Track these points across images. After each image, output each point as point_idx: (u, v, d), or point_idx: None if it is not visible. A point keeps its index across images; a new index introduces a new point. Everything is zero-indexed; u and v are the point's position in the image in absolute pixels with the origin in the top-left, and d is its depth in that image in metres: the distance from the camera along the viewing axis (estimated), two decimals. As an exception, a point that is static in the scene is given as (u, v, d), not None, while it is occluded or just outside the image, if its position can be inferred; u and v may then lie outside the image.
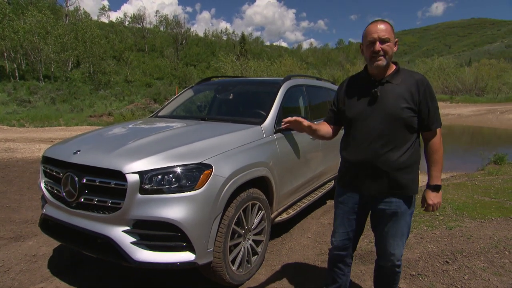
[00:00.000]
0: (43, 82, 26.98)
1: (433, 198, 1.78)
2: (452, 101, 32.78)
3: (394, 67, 1.79)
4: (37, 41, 26.64)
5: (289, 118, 1.92)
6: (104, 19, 57.06)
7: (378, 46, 1.67)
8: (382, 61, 1.69)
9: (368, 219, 1.95)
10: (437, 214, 3.67)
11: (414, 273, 2.57)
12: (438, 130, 1.76)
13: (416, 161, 1.77)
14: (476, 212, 3.69)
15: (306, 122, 1.92)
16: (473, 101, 32.44)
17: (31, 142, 9.56)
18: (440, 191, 1.80)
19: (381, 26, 1.69)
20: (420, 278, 2.50)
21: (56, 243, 3.18)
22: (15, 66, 27.74)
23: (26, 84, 24.87)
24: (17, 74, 27.37)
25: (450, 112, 24.37)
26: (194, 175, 2.12)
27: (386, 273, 1.92)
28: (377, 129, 1.71)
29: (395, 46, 1.74)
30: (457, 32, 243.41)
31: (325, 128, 2.02)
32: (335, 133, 2.04)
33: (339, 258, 1.98)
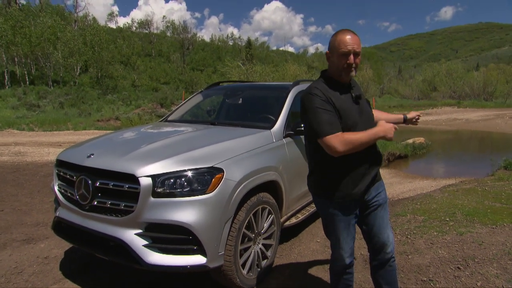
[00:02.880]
0: (52, 87, 27.34)
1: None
2: (460, 106, 32.49)
3: None
4: (47, 47, 27.07)
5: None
6: (112, 25, 57.79)
7: (352, 59, 1.72)
8: (353, 72, 1.78)
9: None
10: (447, 219, 3.64)
11: (425, 278, 2.55)
12: None
13: None
14: (487, 218, 3.65)
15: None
16: (481, 106, 32.13)
17: (40, 146, 9.70)
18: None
19: (355, 39, 1.73)
20: (432, 284, 2.48)
21: (67, 246, 3.22)
22: (25, 71, 28.20)
23: (36, 89, 25.23)
24: (27, 79, 27.80)
25: (458, 117, 24.16)
26: (205, 179, 2.15)
27: (388, 265, 1.92)
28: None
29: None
30: (464, 37, 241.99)
31: None
32: None
33: (350, 264, 1.95)
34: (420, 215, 3.87)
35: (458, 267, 2.65)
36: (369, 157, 1.81)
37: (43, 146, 9.70)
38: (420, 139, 11.56)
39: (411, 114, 2.29)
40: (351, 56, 1.71)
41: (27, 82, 27.51)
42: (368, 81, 46.35)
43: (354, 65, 1.74)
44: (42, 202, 4.62)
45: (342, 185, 1.78)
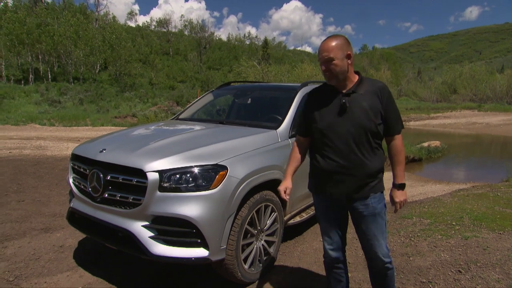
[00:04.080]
0: (72, 84, 28.25)
1: (399, 196, 1.90)
2: (480, 110, 31.55)
3: (357, 77, 1.88)
4: (69, 45, 28.00)
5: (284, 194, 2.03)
6: (132, 24, 59.03)
7: (322, 67, 1.81)
8: (331, 81, 1.84)
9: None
10: (454, 223, 3.62)
11: (424, 280, 2.57)
12: (400, 134, 1.88)
13: (382, 163, 1.88)
14: (495, 223, 3.61)
15: (287, 185, 2.03)
16: (503, 110, 31.08)
17: (60, 141, 10.08)
18: (405, 190, 1.92)
19: (326, 46, 1.78)
20: (431, 286, 2.50)
21: (81, 236, 3.39)
22: (48, 68, 29.26)
23: (57, 86, 26.11)
24: (49, 76, 28.84)
25: (477, 120, 23.49)
26: (210, 175, 2.24)
27: (381, 274, 1.98)
28: (347, 138, 1.81)
29: (348, 60, 1.80)
30: (489, 38, 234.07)
31: (299, 156, 2.06)
32: (307, 145, 2.05)
33: (337, 259, 2.05)
34: (426, 218, 3.86)
35: (459, 271, 2.66)
36: (346, 164, 1.82)
37: (63, 141, 10.08)
38: (435, 143, 11.38)
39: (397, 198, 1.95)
40: (323, 65, 1.80)
41: (49, 79, 28.52)
42: (385, 82, 45.62)
43: (328, 73, 1.80)
44: (60, 194, 4.85)
45: (314, 179, 2.00)
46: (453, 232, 3.39)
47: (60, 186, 5.23)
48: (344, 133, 1.82)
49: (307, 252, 3.21)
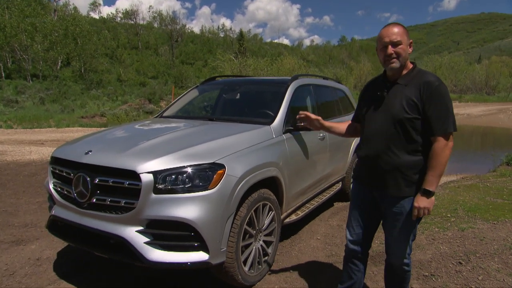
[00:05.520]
0: (31, 81, 26.98)
1: (420, 201, 1.80)
2: (461, 100, 33.08)
3: (409, 67, 1.91)
4: (24, 39, 26.67)
5: (303, 115, 2.33)
6: (95, 15, 57.05)
7: (390, 49, 1.82)
8: (395, 64, 1.83)
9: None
10: (449, 215, 3.80)
11: (427, 273, 2.69)
12: (442, 136, 1.77)
13: (419, 163, 1.83)
14: (488, 214, 3.82)
15: (322, 122, 2.33)
16: (483, 100, 32.75)
17: (20, 144, 9.65)
18: (432, 198, 1.81)
19: (393, 30, 1.84)
20: (434, 279, 2.62)
21: (59, 247, 3.28)
22: (1, 64, 27.77)
23: (13, 83, 24.83)
24: (2, 73, 27.39)
25: (459, 112, 24.59)
26: (207, 175, 2.24)
27: (396, 271, 2.04)
28: (379, 130, 1.90)
29: (409, 48, 1.87)
30: (466, 28, 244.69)
31: (340, 126, 2.36)
32: (354, 129, 2.30)
33: (354, 253, 2.12)
34: (421, 211, 4.02)
35: (460, 262, 2.80)
36: (374, 154, 1.92)
37: (24, 145, 9.66)
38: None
39: None
40: (389, 47, 1.82)
41: (3, 76, 27.10)
42: (366, 74, 46.79)
43: (394, 55, 1.82)
44: (29, 202, 4.66)
45: (356, 165, 2.20)
46: (449, 224, 3.56)
47: (28, 194, 5.03)
48: (377, 122, 1.91)
49: (305, 251, 3.27)
